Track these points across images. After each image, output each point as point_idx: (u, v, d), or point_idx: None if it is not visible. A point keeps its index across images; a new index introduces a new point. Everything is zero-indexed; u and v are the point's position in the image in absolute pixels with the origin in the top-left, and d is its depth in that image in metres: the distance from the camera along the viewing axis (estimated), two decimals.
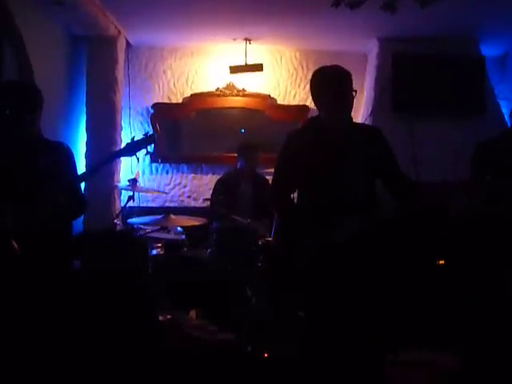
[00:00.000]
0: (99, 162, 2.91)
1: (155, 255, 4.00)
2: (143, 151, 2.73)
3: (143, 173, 5.56)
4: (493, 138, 3.28)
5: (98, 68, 5.00)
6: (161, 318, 3.19)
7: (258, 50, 5.38)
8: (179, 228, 4.30)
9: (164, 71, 5.59)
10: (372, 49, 5.27)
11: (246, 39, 5.15)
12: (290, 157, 2.63)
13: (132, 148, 2.72)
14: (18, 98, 2.63)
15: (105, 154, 3.58)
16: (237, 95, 5.52)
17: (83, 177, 2.91)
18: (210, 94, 5.53)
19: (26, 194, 2.56)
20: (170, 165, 5.60)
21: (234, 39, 5.16)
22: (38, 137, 2.74)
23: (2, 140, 2.68)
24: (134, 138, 2.75)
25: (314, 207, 2.56)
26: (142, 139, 2.73)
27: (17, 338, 2.44)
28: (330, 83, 2.56)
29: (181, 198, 5.62)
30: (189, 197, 5.63)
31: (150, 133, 2.81)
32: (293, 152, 2.62)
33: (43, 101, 2.71)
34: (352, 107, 2.60)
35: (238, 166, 4.68)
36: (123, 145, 5.17)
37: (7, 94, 2.66)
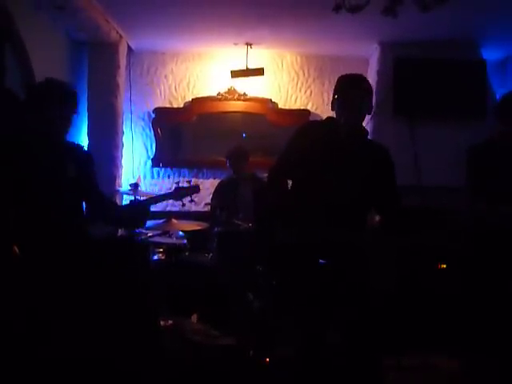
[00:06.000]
0: (146, 201, 3.19)
1: (157, 260, 4.00)
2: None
3: (144, 177, 5.57)
4: (484, 142, 3.28)
5: (99, 73, 5.01)
6: (162, 323, 3.19)
7: (259, 55, 5.38)
8: (181, 232, 4.30)
9: (165, 76, 5.59)
10: (373, 53, 5.27)
11: (247, 43, 5.16)
12: (296, 145, 2.69)
13: (179, 194, 3.26)
14: (65, 99, 2.55)
15: (151, 196, 3.82)
16: (238, 99, 5.53)
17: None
18: (211, 99, 5.54)
19: (55, 196, 2.57)
20: (172, 169, 5.61)
21: (235, 43, 5.16)
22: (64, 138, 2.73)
23: (36, 140, 2.62)
24: (178, 182, 3.24)
25: (300, 201, 2.61)
26: (189, 188, 3.28)
27: (16, 343, 2.44)
28: (336, 89, 2.64)
29: (182, 203, 5.60)
30: (190, 201, 5.60)
31: (194, 184, 3.29)
32: (298, 141, 2.68)
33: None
34: (358, 114, 2.61)
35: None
36: (127, 144, 5.26)
37: (55, 93, 2.54)
